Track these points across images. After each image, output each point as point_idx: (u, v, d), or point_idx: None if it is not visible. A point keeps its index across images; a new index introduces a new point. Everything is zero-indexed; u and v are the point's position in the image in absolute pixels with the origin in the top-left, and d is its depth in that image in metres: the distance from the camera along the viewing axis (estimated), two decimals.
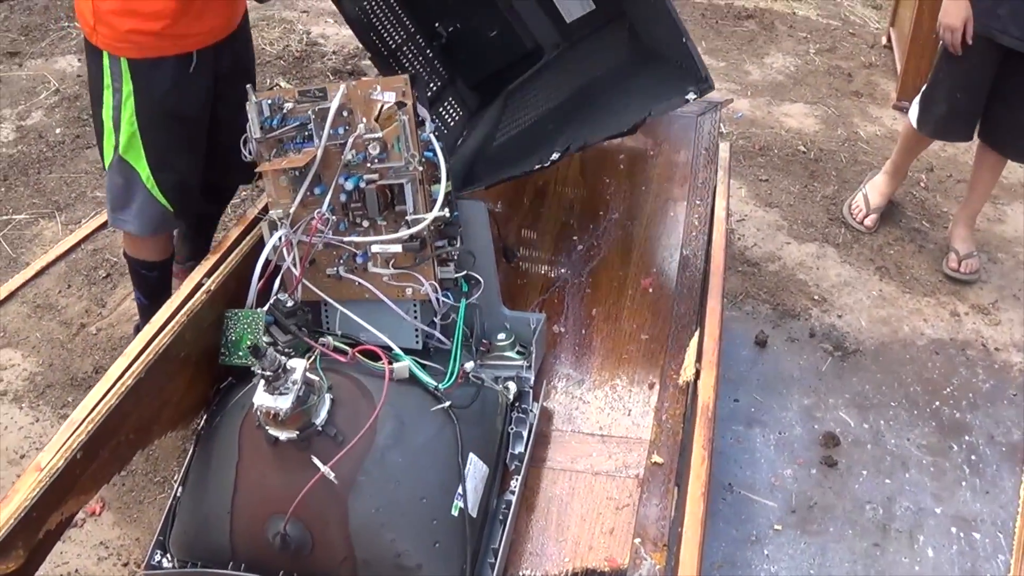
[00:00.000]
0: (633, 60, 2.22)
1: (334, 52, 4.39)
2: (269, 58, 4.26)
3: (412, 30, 2.34)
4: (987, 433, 2.59)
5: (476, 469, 1.51)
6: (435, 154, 1.63)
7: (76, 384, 2.61)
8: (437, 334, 1.70)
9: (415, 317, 1.69)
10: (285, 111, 1.66)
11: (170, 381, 1.59)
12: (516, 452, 1.64)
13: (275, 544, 1.40)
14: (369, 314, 1.65)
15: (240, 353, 1.65)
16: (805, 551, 2.27)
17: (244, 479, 1.46)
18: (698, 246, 2.08)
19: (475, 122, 2.43)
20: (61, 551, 2.15)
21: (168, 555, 1.52)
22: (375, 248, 1.63)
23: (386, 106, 1.61)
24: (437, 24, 2.37)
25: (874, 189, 3.35)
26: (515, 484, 1.58)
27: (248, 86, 1.66)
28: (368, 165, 1.61)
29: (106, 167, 2.19)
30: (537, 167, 1.82)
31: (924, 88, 3.08)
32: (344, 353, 1.56)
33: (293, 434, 1.39)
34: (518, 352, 1.77)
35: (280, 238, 1.63)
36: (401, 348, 1.61)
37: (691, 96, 1.66)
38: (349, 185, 1.61)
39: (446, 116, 2.36)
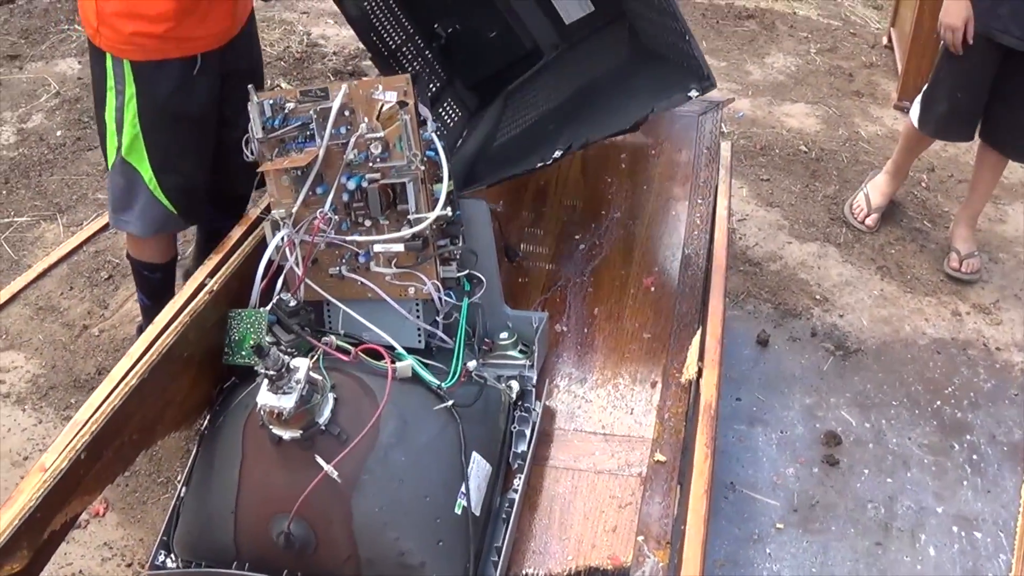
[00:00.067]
0: (633, 60, 2.22)
1: (335, 53, 4.39)
2: (270, 59, 4.26)
3: (411, 31, 2.35)
4: (988, 433, 2.59)
5: (479, 468, 1.51)
6: (437, 153, 1.63)
7: (79, 386, 2.61)
8: (439, 333, 1.70)
9: (417, 316, 1.69)
10: (287, 111, 1.66)
11: (173, 381, 1.59)
12: (519, 451, 1.64)
13: (279, 543, 1.40)
14: (372, 313, 1.65)
15: (243, 353, 1.65)
16: (807, 550, 2.27)
17: (248, 478, 1.46)
18: (700, 245, 2.08)
19: (475, 122, 2.43)
20: (65, 552, 2.16)
21: (172, 555, 1.53)
22: (377, 247, 1.63)
23: (387, 106, 1.61)
24: (436, 25, 2.38)
25: (875, 189, 3.35)
26: (518, 483, 1.59)
27: (250, 86, 1.66)
28: (370, 164, 1.62)
29: (109, 169, 2.19)
30: (539, 165, 1.82)
31: (925, 88, 3.08)
32: (347, 352, 1.56)
33: (296, 433, 1.39)
34: (520, 351, 1.77)
35: (283, 238, 1.63)
36: (404, 347, 1.61)
37: (693, 93, 1.66)
38: (351, 184, 1.61)
39: (445, 116, 2.36)
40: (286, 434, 1.39)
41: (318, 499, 1.38)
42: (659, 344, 1.89)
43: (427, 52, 2.38)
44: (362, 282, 1.66)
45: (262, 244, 1.73)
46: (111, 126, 2.11)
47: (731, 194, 2.21)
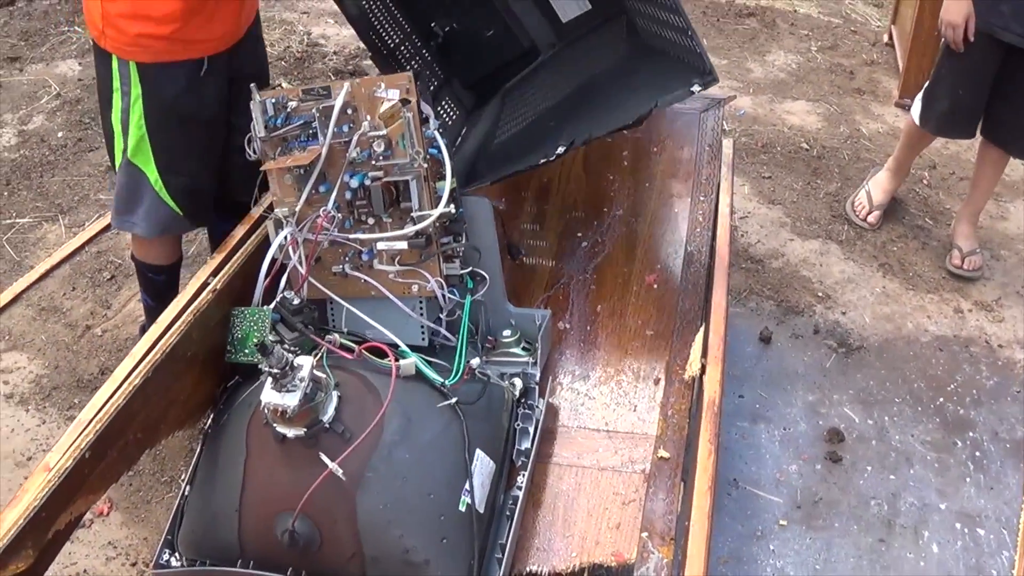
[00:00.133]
0: (632, 57, 2.23)
1: (335, 52, 4.39)
2: (270, 59, 4.23)
3: (408, 30, 2.35)
4: (991, 430, 2.59)
5: (483, 465, 1.51)
6: (439, 151, 1.64)
7: (82, 386, 2.61)
8: (443, 331, 1.70)
9: (421, 314, 1.70)
10: (289, 110, 1.66)
11: (177, 380, 1.59)
12: (522, 448, 1.64)
13: (283, 541, 1.40)
14: (375, 311, 1.65)
15: (246, 351, 1.65)
16: (810, 546, 2.27)
17: (252, 477, 1.46)
18: (702, 242, 2.08)
19: (473, 121, 2.43)
20: (69, 551, 2.16)
21: (176, 554, 1.53)
22: (381, 245, 1.63)
23: (389, 104, 1.61)
24: (433, 24, 2.38)
25: (877, 186, 3.35)
26: (522, 480, 1.59)
27: (252, 84, 1.66)
28: (373, 162, 1.62)
29: (115, 171, 2.18)
30: (542, 161, 1.82)
31: (926, 85, 3.08)
32: (350, 350, 1.56)
33: (300, 431, 1.39)
34: (524, 348, 1.77)
35: (286, 236, 1.63)
36: (407, 345, 1.62)
37: (696, 88, 1.66)
38: (354, 183, 1.61)
39: (443, 115, 2.37)
40: (290, 432, 1.39)
41: (322, 497, 1.38)
42: (662, 341, 1.89)
43: (424, 51, 2.38)
44: (365, 280, 1.66)
45: (265, 243, 1.73)
46: (117, 128, 2.10)
47: (733, 191, 2.21)
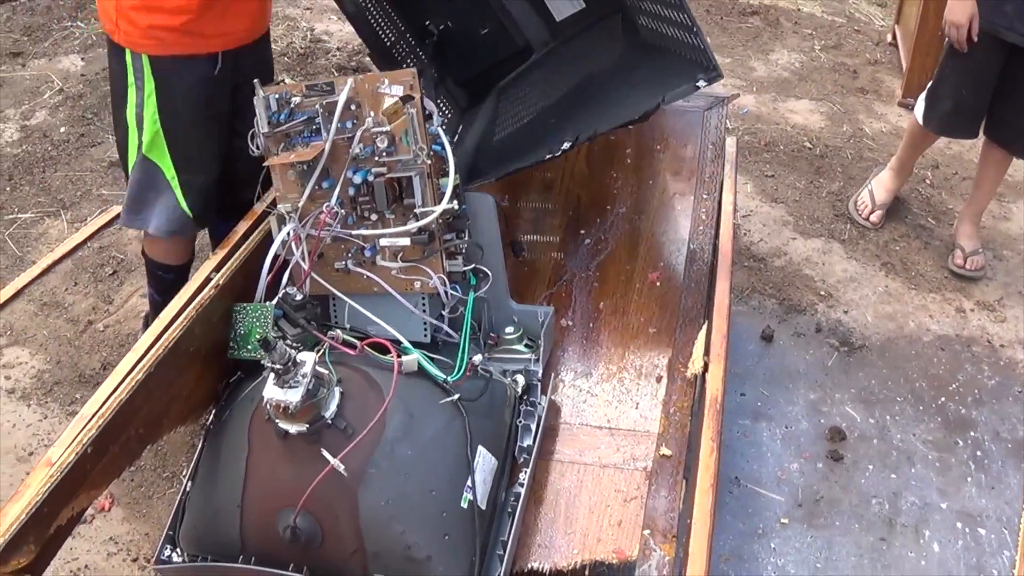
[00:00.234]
0: (630, 54, 2.22)
1: (338, 49, 4.39)
2: (273, 55, 4.26)
3: (402, 28, 2.35)
4: (992, 429, 2.58)
5: (485, 462, 1.51)
6: (443, 147, 1.63)
7: (84, 381, 2.61)
8: (445, 327, 1.70)
9: (423, 310, 1.70)
10: (292, 105, 1.66)
11: (179, 376, 1.59)
12: (524, 445, 1.65)
13: (285, 537, 1.40)
14: (377, 307, 1.66)
15: (249, 347, 1.65)
16: (811, 545, 2.27)
17: (254, 473, 1.46)
18: (705, 240, 2.08)
19: (468, 119, 2.43)
20: (71, 547, 2.16)
21: (178, 550, 1.53)
22: (383, 241, 1.63)
23: (392, 100, 1.61)
24: (428, 22, 2.38)
25: (880, 185, 3.35)
26: (524, 477, 1.59)
27: (255, 80, 1.66)
28: (376, 159, 1.62)
29: (129, 169, 2.15)
30: (548, 156, 1.82)
31: (930, 85, 3.08)
32: (353, 346, 1.56)
33: (303, 427, 1.39)
34: (526, 345, 1.77)
35: (289, 232, 1.63)
36: (410, 341, 1.62)
37: (701, 83, 1.66)
38: (357, 179, 1.61)
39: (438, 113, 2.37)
40: (292, 428, 1.40)
41: (324, 493, 1.38)
42: (664, 339, 1.89)
43: (418, 49, 2.39)
44: (368, 276, 1.66)
45: (268, 238, 1.73)
46: (132, 123, 2.08)
47: (736, 190, 2.21)
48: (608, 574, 1.52)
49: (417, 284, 1.66)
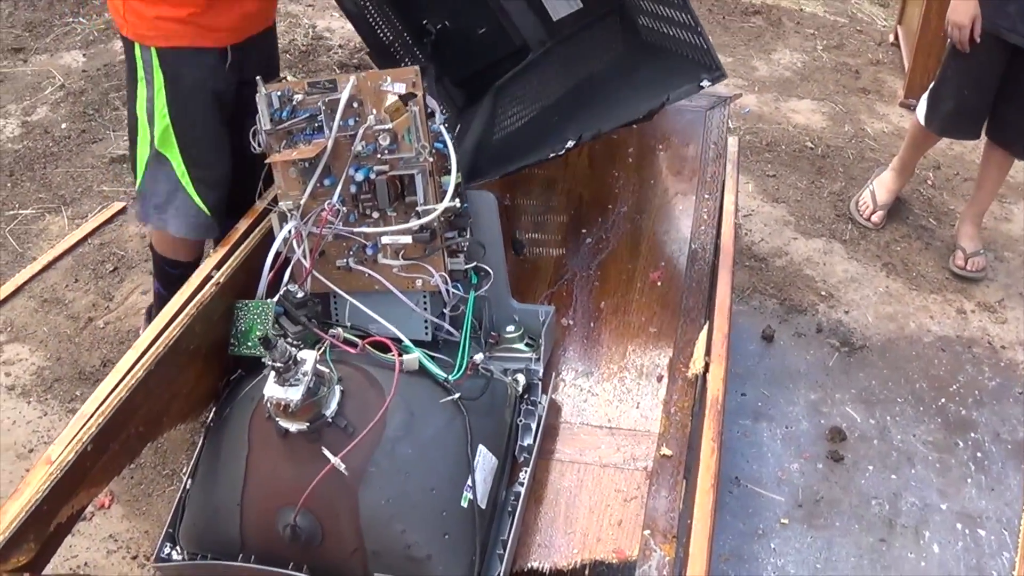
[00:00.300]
0: (631, 54, 2.22)
1: (340, 46, 4.39)
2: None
3: (400, 27, 2.35)
4: (993, 431, 2.58)
5: (485, 461, 1.51)
6: (445, 145, 1.63)
7: (84, 378, 2.61)
8: (446, 326, 1.70)
9: (425, 309, 1.69)
10: (295, 103, 1.66)
11: (180, 373, 1.59)
12: (525, 444, 1.64)
13: (285, 536, 1.40)
14: (379, 305, 1.65)
15: (249, 344, 1.65)
16: (811, 545, 2.26)
17: (254, 471, 1.46)
18: (707, 240, 2.08)
19: (466, 118, 2.43)
20: (70, 544, 2.15)
21: (178, 548, 1.53)
22: (385, 239, 1.63)
23: (394, 98, 1.61)
24: (425, 21, 2.38)
25: (881, 186, 3.35)
26: (524, 476, 1.59)
27: (258, 77, 1.66)
28: (378, 156, 1.62)
29: (142, 167, 2.13)
30: (551, 155, 1.82)
31: (932, 85, 3.08)
32: (354, 344, 1.56)
33: (303, 426, 1.39)
34: (527, 344, 1.77)
35: (291, 230, 1.63)
36: (411, 339, 1.61)
37: (705, 83, 1.66)
38: (359, 176, 1.61)
39: None
40: (293, 426, 1.39)
41: (325, 492, 1.38)
42: (666, 338, 1.89)
43: (416, 49, 2.38)
44: (369, 274, 1.66)
45: (269, 236, 1.73)
46: (143, 117, 2.06)
47: (737, 190, 2.21)
48: (608, 574, 1.52)
49: (418, 282, 1.66)
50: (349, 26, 4.39)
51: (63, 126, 3.71)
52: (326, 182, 1.64)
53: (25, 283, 2.94)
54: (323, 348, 1.53)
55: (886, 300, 3.02)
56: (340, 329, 1.62)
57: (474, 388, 1.58)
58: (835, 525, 2.31)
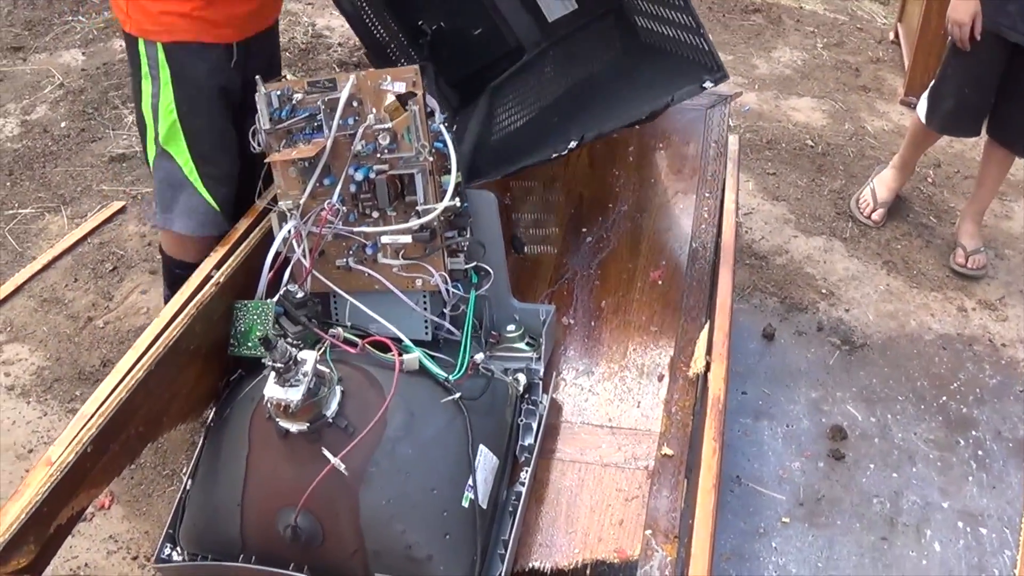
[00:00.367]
0: (629, 55, 2.22)
1: (340, 44, 4.38)
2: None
3: (395, 28, 2.35)
4: (994, 429, 2.58)
5: (486, 461, 1.51)
6: (445, 144, 1.63)
7: (84, 378, 2.60)
8: (447, 325, 1.70)
9: (425, 308, 1.69)
10: (294, 102, 1.66)
11: (180, 373, 1.59)
12: (526, 443, 1.64)
13: (286, 536, 1.40)
14: (379, 305, 1.65)
15: (249, 344, 1.64)
16: (813, 544, 2.26)
17: (254, 471, 1.46)
18: (707, 239, 2.07)
19: (462, 119, 2.43)
20: (70, 545, 2.15)
21: (178, 548, 1.52)
22: (385, 239, 1.62)
23: (393, 98, 1.61)
24: (421, 22, 2.37)
25: (882, 184, 3.35)
26: (525, 476, 1.58)
27: (257, 77, 1.65)
28: (378, 156, 1.61)
29: (150, 165, 2.11)
30: (554, 156, 1.81)
31: (932, 83, 3.08)
32: (354, 344, 1.56)
33: (303, 426, 1.39)
34: (527, 344, 1.77)
35: (290, 229, 1.62)
36: (411, 339, 1.61)
37: (708, 84, 1.65)
38: (359, 176, 1.60)
39: None
40: (293, 427, 1.39)
41: (325, 492, 1.37)
42: (666, 337, 1.88)
43: (411, 50, 2.38)
44: (369, 274, 1.66)
45: (269, 235, 1.73)
46: (148, 115, 2.04)
47: (738, 188, 2.20)
48: (609, 574, 1.52)
49: (418, 282, 1.65)
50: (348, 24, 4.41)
51: (62, 125, 3.71)
52: (326, 181, 1.63)
53: (25, 283, 2.94)
54: (323, 348, 1.53)
55: (887, 298, 3.02)
56: (340, 329, 1.62)
57: (475, 388, 1.58)
58: (836, 524, 2.31)
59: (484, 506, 1.47)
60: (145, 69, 2.00)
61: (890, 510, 2.35)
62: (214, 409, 1.66)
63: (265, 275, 1.66)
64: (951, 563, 2.24)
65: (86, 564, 2.15)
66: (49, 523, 1.34)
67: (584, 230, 2.15)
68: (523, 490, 1.56)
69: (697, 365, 1.70)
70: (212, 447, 1.57)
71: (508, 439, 1.61)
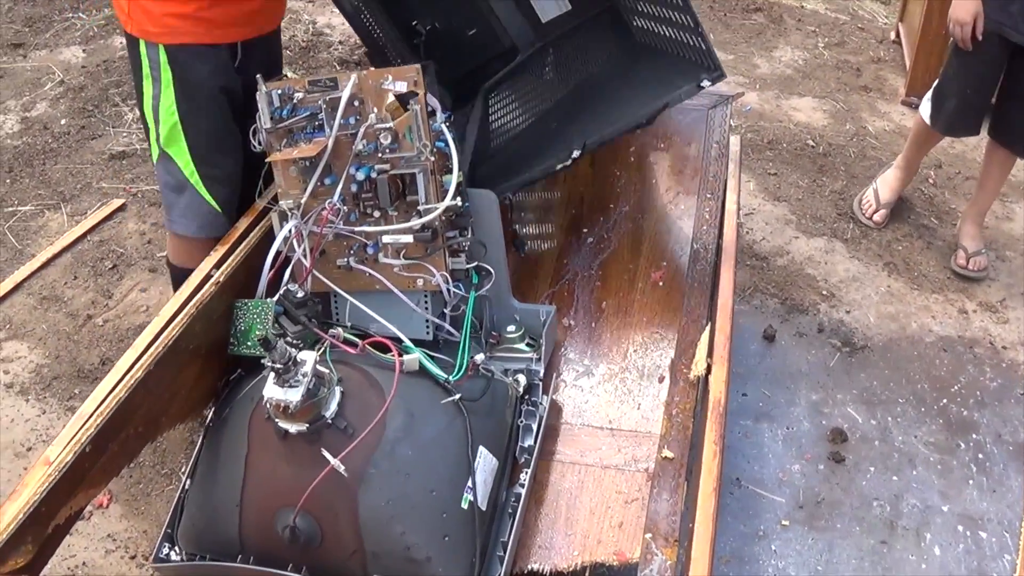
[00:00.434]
0: (625, 56, 2.21)
1: (340, 42, 4.38)
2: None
3: (391, 28, 2.34)
4: (994, 432, 2.58)
5: (486, 462, 1.50)
6: (447, 144, 1.62)
7: (83, 376, 2.60)
8: (447, 326, 1.69)
9: (425, 308, 1.68)
10: (295, 101, 1.65)
11: (179, 373, 1.58)
12: (525, 445, 1.63)
13: (284, 537, 1.39)
14: (379, 305, 1.64)
15: (249, 343, 1.64)
16: (812, 547, 2.26)
17: (253, 472, 1.45)
18: (709, 240, 2.07)
19: (457, 120, 2.41)
20: (69, 544, 2.15)
21: (176, 548, 1.51)
22: (386, 238, 1.62)
23: (394, 97, 1.60)
24: (415, 22, 2.37)
25: (885, 184, 3.34)
26: (524, 477, 1.58)
27: (258, 76, 1.65)
28: (379, 155, 1.60)
29: (155, 165, 2.09)
30: (559, 167, 1.81)
31: (935, 84, 3.07)
32: (354, 344, 1.55)
33: (303, 427, 1.38)
34: (528, 344, 1.76)
35: (291, 229, 1.62)
36: (411, 339, 1.60)
37: (705, 83, 1.65)
38: (360, 175, 1.60)
39: None
40: (292, 427, 1.38)
41: (324, 493, 1.37)
42: (667, 339, 1.88)
43: (407, 50, 2.38)
44: (370, 273, 1.65)
45: (269, 235, 1.72)
46: (149, 116, 2.02)
47: (740, 189, 2.20)
48: None
49: (419, 281, 1.65)
50: None
51: (62, 122, 3.70)
52: (327, 181, 1.63)
53: (24, 280, 2.94)
54: (323, 348, 1.52)
55: (887, 300, 3.01)
56: (340, 329, 1.61)
57: (475, 389, 1.57)
58: (836, 527, 2.31)
59: (483, 508, 1.46)
60: (146, 70, 1.99)
61: (890, 513, 2.35)
62: (213, 409, 1.65)
63: (265, 274, 1.66)
64: (951, 567, 2.23)
65: (84, 563, 2.14)
66: (47, 523, 1.33)
67: (585, 230, 2.15)
68: (523, 492, 1.56)
69: (698, 368, 1.70)
70: (211, 447, 1.56)
71: (508, 440, 1.61)
